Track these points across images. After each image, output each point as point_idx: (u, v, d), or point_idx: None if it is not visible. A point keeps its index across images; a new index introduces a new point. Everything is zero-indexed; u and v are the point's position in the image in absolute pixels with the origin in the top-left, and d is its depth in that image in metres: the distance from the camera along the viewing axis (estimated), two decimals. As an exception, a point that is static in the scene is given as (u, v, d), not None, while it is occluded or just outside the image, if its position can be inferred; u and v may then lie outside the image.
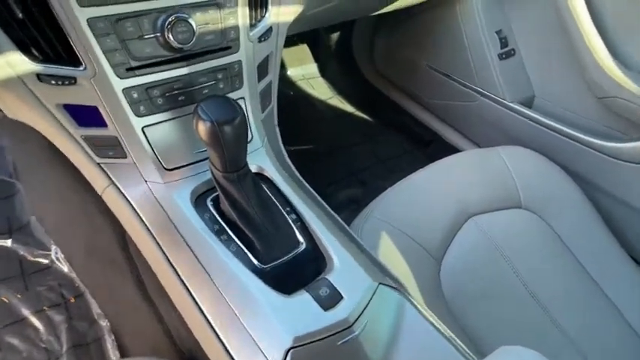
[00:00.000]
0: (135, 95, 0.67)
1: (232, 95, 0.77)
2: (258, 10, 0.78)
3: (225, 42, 0.72)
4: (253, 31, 0.77)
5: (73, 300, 1.10)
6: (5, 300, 1.14)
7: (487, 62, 1.51)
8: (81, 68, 0.63)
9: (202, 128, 0.59)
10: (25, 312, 1.11)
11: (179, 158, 0.74)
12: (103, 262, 0.99)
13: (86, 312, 1.09)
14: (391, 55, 1.92)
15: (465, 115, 1.60)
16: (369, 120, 2.05)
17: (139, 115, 0.69)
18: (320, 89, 2.24)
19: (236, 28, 0.73)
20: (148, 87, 0.68)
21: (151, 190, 0.73)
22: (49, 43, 0.61)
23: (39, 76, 0.63)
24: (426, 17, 1.73)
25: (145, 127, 0.71)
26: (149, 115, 0.70)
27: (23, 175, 1.13)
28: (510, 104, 1.37)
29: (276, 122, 0.96)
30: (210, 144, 0.60)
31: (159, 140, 0.72)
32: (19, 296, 1.16)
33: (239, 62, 0.76)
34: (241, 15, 0.72)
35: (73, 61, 0.63)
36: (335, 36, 2.18)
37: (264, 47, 0.83)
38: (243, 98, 0.81)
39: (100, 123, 0.71)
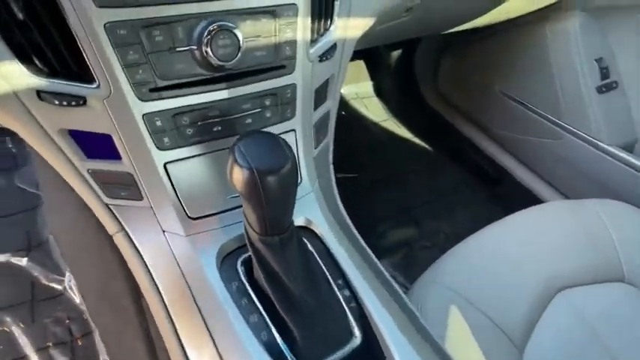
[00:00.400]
0: (159, 123, 0.56)
1: (281, 127, 0.66)
2: (322, 22, 0.66)
3: (278, 60, 0.61)
4: (314, 48, 0.66)
5: (79, 341, 0.97)
6: (7, 330, 1.05)
7: (581, 95, 1.26)
8: (93, 86, 0.53)
9: (238, 177, 0.47)
10: (28, 348, 1.01)
11: (207, 205, 0.63)
12: (114, 308, 0.85)
13: (92, 357, 0.94)
14: (458, 77, 1.78)
15: (544, 153, 1.42)
16: (428, 148, 1.90)
17: (162, 147, 0.58)
18: (374, 110, 2.09)
19: (293, 43, 0.61)
20: (177, 113, 0.57)
21: (168, 243, 0.62)
22: (54, 51, 0.51)
23: (39, 94, 0.52)
24: (505, 37, 1.54)
25: (168, 163, 0.59)
26: (174, 148, 0.59)
27: (43, 191, 1.01)
28: (607, 147, 1.18)
29: (331, 160, 0.83)
30: (247, 198, 0.49)
31: (184, 181, 0.61)
32: (22, 326, 1.07)
33: (293, 86, 0.64)
34: (301, 27, 0.61)
35: (84, 76, 0.53)
36: (395, 53, 2.03)
37: (325, 68, 0.71)
38: (293, 131, 0.69)
39: (113, 155, 0.60)
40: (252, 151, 0.48)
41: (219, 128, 0.61)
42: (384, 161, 1.82)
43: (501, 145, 1.64)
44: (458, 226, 1.54)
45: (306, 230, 0.66)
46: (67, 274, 1.17)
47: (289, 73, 0.63)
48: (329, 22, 0.67)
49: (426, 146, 1.90)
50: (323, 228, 0.66)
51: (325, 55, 0.70)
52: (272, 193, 0.47)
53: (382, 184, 1.69)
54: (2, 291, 1.19)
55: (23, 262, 1.24)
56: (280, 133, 0.67)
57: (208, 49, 0.54)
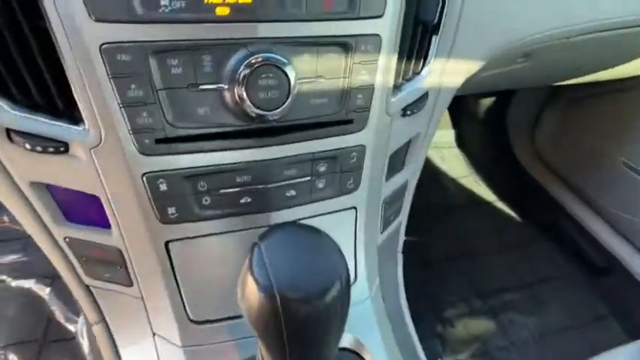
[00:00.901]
0: (164, 187, 0.45)
1: (337, 203, 0.55)
2: (412, 63, 0.55)
3: (343, 112, 0.49)
4: (397, 97, 0.55)
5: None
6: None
7: None
8: (79, 128, 0.43)
9: (251, 299, 0.32)
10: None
11: (218, 306, 0.52)
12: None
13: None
14: (564, 138, 1.59)
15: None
16: (516, 219, 1.68)
17: (165, 220, 0.47)
18: (453, 163, 1.88)
19: (368, 89, 0.49)
20: (191, 175, 0.46)
21: (157, 353, 0.50)
22: (34, 77, 0.40)
23: (9, 134, 0.42)
24: (635, 96, 1.27)
25: (171, 241, 0.49)
26: (182, 222, 0.48)
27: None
28: None
29: (400, 247, 0.71)
30: (261, 334, 0.34)
31: (191, 269, 0.50)
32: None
33: (361, 148, 0.53)
34: (383, 67, 0.49)
35: (68, 113, 0.42)
36: (486, 101, 1.81)
37: (409, 125, 0.60)
38: (354, 209, 0.57)
39: (99, 222, 0.48)
40: (279, 258, 0.33)
41: (249, 200, 0.49)
42: (460, 229, 1.62)
43: (614, 226, 1.41)
44: (548, 325, 1.31)
45: (353, 355, 0.54)
46: (81, 316, 1.10)
47: (358, 131, 0.51)
48: (421, 64, 0.56)
49: (514, 216, 1.70)
50: (380, 356, 0.53)
51: (411, 108, 0.57)
52: (302, 333, 0.33)
53: (455, 259, 1.50)
54: (18, 322, 1.16)
55: (45, 292, 1.20)
56: (335, 212, 0.56)
57: (243, 92, 0.42)
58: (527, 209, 1.72)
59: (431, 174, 1.82)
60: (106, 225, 0.48)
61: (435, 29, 0.54)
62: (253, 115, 0.43)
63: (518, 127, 1.75)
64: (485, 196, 1.77)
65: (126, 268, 0.51)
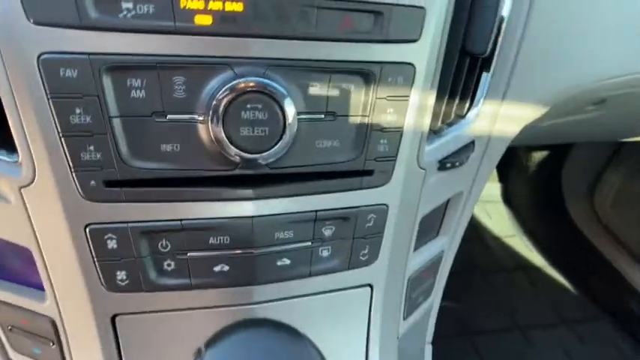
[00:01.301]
0: (112, 244, 0.36)
1: (347, 279, 0.45)
2: (455, 103, 0.46)
3: (361, 161, 0.40)
4: (433, 145, 0.45)
5: None
6: None
7: None
8: (9, 159, 0.35)
9: None
10: None
11: None
12: None
13: None
14: (631, 202, 1.44)
15: None
16: (571, 291, 1.53)
17: (112, 287, 0.38)
18: (499, 221, 1.73)
19: (396, 133, 0.40)
20: (151, 230, 0.37)
21: None
22: None
23: None
24: None
25: (119, 315, 0.39)
26: (136, 291, 0.39)
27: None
28: None
29: (429, 338, 0.57)
30: None
31: (143, 354, 0.40)
32: None
33: (382, 209, 0.43)
34: (416, 105, 0.40)
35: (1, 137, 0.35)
36: (539, 154, 1.67)
37: (448, 182, 0.50)
38: (369, 287, 0.45)
39: (32, 282, 0.39)
40: None
41: (226, 269, 0.39)
42: (503, 297, 1.46)
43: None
44: None
45: None
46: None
47: (379, 185, 0.42)
48: (467, 106, 0.48)
49: (569, 286, 1.54)
50: None
51: (452, 160, 0.48)
52: None
53: (496, 333, 1.32)
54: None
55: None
56: (343, 290, 0.46)
57: (220, 128, 0.34)
58: (585, 280, 1.56)
59: (472, 231, 1.71)
60: (38, 287, 0.39)
61: (487, 64, 0.46)
62: (236, 159, 0.34)
63: (575, 184, 1.62)
64: (534, 261, 1.65)
65: (60, 345, 0.41)
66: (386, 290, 0.47)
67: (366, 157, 0.40)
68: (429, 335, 0.55)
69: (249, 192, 0.37)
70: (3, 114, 0.33)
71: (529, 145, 1.68)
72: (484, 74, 0.46)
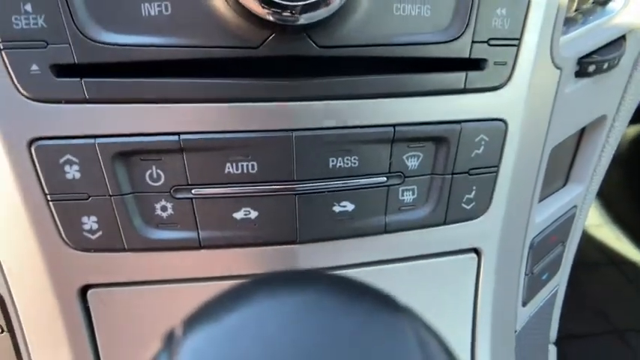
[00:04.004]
0: (74, 172, 0.25)
1: (443, 236, 0.31)
2: None
3: (466, 40, 0.27)
4: (569, 35, 0.32)
5: None
6: None
7: None
8: None
9: None
10: None
11: None
12: None
13: None
14: None
15: None
16: None
17: (80, 242, 0.26)
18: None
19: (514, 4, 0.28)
20: (133, 150, 0.25)
21: None
22: None
23: None
24: None
25: (91, 287, 0.28)
26: (114, 250, 0.27)
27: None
28: None
29: (553, 337, 0.41)
30: None
31: (124, 343, 0.29)
32: None
33: (497, 127, 0.29)
34: None
35: None
36: (631, 131, 1.55)
37: (590, 96, 0.36)
38: (474, 253, 0.32)
39: None
40: None
41: (253, 215, 0.26)
42: (595, 295, 1.26)
43: None
44: None
45: None
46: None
47: (493, 88, 0.28)
48: None
49: None
50: None
51: (598, 60, 0.33)
52: None
53: (588, 338, 1.16)
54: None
55: None
56: (436, 256, 0.32)
57: None
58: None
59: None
60: None
61: None
62: (266, 15, 0.21)
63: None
64: (629, 255, 1.42)
65: (11, 332, 0.28)
66: (499, 258, 0.32)
67: (474, 35, 0.26)
68: (553, 331, 0.39)
69: (286, 86, 0.24)
70: None
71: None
72: None
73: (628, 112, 0.39)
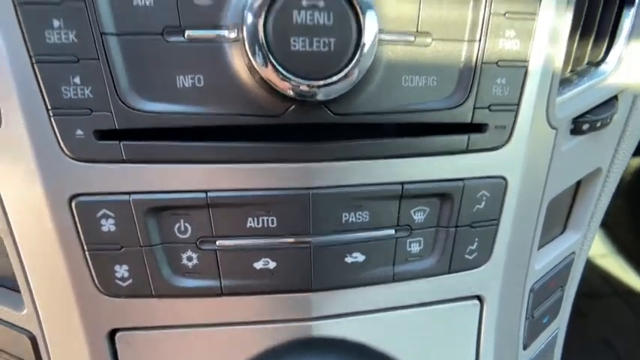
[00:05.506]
0: (109, 225, 0.27)
1: (447, 284, 0.33)
2: (590, 42, 0.36)
3: (468, 107, 0.29)
4: (565, 96, 0.34)
5: None
6: None
7: None
8: None
9: None
10: None
11: None
12: None
13: None
14: None
15: None
16: None
17: (110, 289, 0.28)
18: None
19: (518, 69, 0.29)
20: (163, 206, 0.28)
21: None
22: None
23: None
24: None
25: (119, 331, 0.29)
26: (143, 296, 0.29)
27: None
28: None
29: None
30: None
31: None
32: None
33: (498, 184, 0.31)
34: (549, 33, 0.30)
35: None
36: (635, 161, 1.46)
37: (585, 151, 0.38)
38: (477, 300, 0.33)
39: (5, 280, 0.30)
40: None
41: (272, 266, 0.28)
42: (598, 327, 1.25)
43: None
44: None
45: None
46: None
47: (494, 148, 0.30)
48: (605, 47, 0.37)
49: None
50: None
51: (591, 119, 0.35)
52: None
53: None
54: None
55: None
56: (440, 303, 0.34)
57: (260, 30, 0.23)
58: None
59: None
60: (12, 286, 0.29)
61: None
62: (287, 91, 0.23)
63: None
64: (633, 285, 1.41)
65: None
66: (501, 304, 0.34)
67: (476, 102, 0.28)
68: None
69: (304, 149, 0.26)
70: None
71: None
72: (625, 11, 0.36)
73: (622, 163, 0.41)
